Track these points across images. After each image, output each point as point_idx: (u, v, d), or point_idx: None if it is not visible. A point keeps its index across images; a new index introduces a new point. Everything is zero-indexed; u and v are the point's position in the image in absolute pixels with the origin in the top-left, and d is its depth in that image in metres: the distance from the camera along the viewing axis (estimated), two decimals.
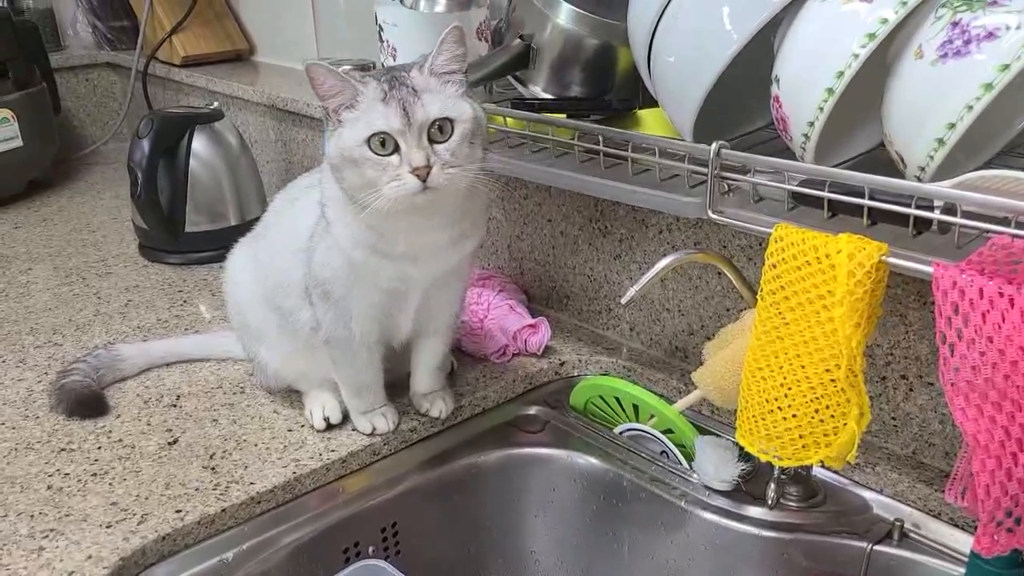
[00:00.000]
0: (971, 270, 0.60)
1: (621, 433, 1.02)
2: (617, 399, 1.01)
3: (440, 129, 0.79)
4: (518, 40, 0.99)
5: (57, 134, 1.98)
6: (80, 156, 2.18)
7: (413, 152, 0.77)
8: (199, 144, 1.47)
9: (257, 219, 1.09)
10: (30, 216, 1.76)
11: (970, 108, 0.63)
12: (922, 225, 0.67)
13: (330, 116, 0.81)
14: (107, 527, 0.83)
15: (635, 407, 1.00)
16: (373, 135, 0.77)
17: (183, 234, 1.48)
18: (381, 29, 1.05)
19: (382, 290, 0.89)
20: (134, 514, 0.84)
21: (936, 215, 0.65)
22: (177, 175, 1.45)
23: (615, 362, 1.12)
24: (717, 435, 0.96)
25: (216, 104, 1.55)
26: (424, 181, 0.77)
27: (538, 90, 1.01)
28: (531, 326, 1.14)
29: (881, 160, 0.76)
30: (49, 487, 0.89)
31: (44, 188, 1.93)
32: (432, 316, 0.96)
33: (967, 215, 0.63)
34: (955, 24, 0.64)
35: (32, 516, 0.84)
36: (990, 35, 0.62)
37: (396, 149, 0.78)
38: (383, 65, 1.09)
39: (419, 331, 0.97)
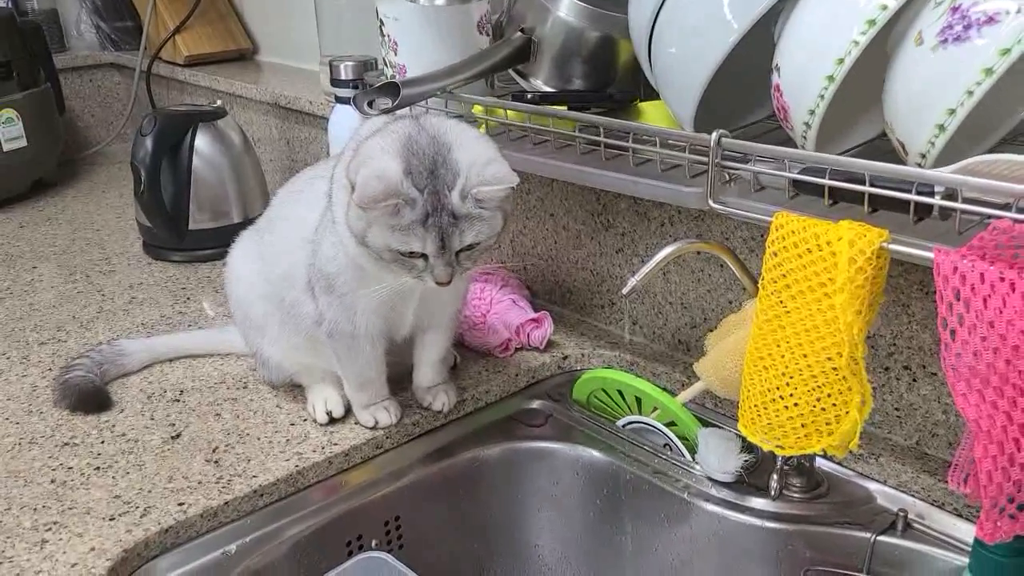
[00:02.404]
0: (972, 255, 0.60)
1: (624, 426, 1.02)
2: (620, 392, 1.01)
3: (469, 247, 0.81)
4: (519, 33, 0.99)
5: (62, 134, 1.99)
6: (84, 156, 2.19)
7: (440, 268, 0.80)
8: (202, 142, 1.47)
9: (259, 217, 1.10)
10: (35, 215, 1.77)
11: (971, 93, 0.62)
12: (923, 211, 0.66)
13: (364, 207, 0.78)
14: (110, 520, 0.83)
15: (638, 400, 1.00)
16: (410, 253, 0.79)
17: (187, 232, 1.48)
18: (382, 23, 1.05)
19: (387, 288, 0.89)
20: (137, 507, 0.84)
21: (937, 201, 0.65)
22: (180, 173, 1.46)
23: (618, 356, 1.12)
24: (720, 427, 0.96)
25: (219, 102, 1.55)
26: (442, 284, 0.81)
27: (539, 83, 1.01)
28: (534, 320, 1.14)
29: (882, 149, 0.75)
30: (52, 481, 0.89)
31: (49, 188, 1.94)
32: (435, 311, 0.96)
33: (968, 200, 0.63)
34: (955, 9, 0.63)
35: (35, 509, 0.84)
36: (990, 19, 0.62)
37: (423, 256, 0.80)
38: (385, 61, 1.09)
39: (422, 325, 0.97)
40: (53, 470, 0.91)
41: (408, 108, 1.02)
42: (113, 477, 0.89)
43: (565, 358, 1.13)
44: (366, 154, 0.79)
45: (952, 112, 0.63)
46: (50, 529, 0.82)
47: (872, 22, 0.66)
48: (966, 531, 0.82)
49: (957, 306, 0.60)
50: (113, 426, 0.98)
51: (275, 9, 1.99)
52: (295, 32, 1.93)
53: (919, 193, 0.65)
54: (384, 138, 0.80)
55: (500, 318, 1.13)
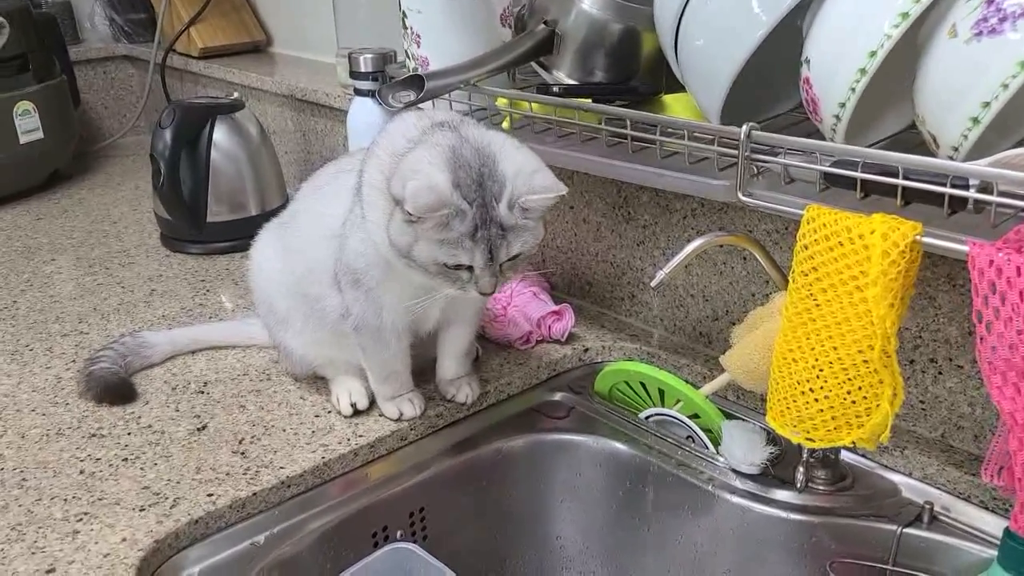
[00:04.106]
0: (1008, 248, 0.60)
1: (647, 418, 1.02)
2: (643, 384, 1.02)
3: (513, 257, 0.81)
4: (542, 26, 0.99)
5: (77, 126, 1.99)
6: (99, 148, 2.20)
7: (485, 280, 0.81)
8: (220, 134, 1.47)
9: (277, 209, 1.09)
10: (52, 208, 1.77)
11: (1005, 86, 0.62)
12: (957, 204, 0.67)
13: (412, 221, 0.78)
14: (140, 510, 0.83)
15: (661, 392, 1.00)
16: (457, 265, 0.80)
17: (205, 224, 1.49)
18: (405, 15, 1.05)
19: (415, 285, 0.89)
20: (166, 498, 0.85)
21: (972, 194, 0.65)
22: (199, 165, 1.46)
23: (639, 348, 1.12)
24: (743, 419, 0.96)
25: (236, 94, 1.56)
26: (486, 295, 0.82)
27: (562, 76, 1.01)
28: (555, 313, 1.14)
29: (911, 142, 0.76)
30: (81, 472, 0.89)
31: (65, 180, 1.94)
32: (461, 307, 0.96)
33: (1004, 193, 0.63)
34: (990, 2, 0.63)
35: (66, 500, 0.85)
36: None
37: (469, 268, 0.80)
38: (407, 53, 1.09)
39: (447, 320, 0.97)
40: (81, 461, 0.91)
41: (431, 103, 1.03)
42: (141, 468, 0.90)
43: (586, 350, 1.13)
44: (411, 167, 0.79)
45: (986, 105, 0.63)
46: (81, 520, 0.82)
47: (905, 15, 0.66)
48: (993, 524, 0.82)
49: (993, 299, 0.60)
50: (139, 418, 0.99)
51: (288, 1, 1.99)
52: (309, 24, 1.93)
53: (954, 186, 0.65)
54: (428, 150, 0.80)
55: (521, 311, 1.14)
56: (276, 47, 2.10)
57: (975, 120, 0.64)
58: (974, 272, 0.61)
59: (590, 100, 0.95)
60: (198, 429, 0.96)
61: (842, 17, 0.71)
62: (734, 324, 0.92)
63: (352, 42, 1.58)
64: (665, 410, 1.00)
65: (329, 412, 0.99)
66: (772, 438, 0.91)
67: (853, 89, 0.70)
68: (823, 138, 0.76)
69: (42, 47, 1.84)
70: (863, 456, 0.91)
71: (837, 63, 0.71)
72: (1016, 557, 0.66)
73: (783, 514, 0.88)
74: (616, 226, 1.17)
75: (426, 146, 0.80)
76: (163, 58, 2.06)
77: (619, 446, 1.01)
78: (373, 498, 0.93)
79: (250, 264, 1.07)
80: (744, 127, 0.76)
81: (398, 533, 0.95)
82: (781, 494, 0.89)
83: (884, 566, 0.84)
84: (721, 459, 0.94)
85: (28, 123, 1.77)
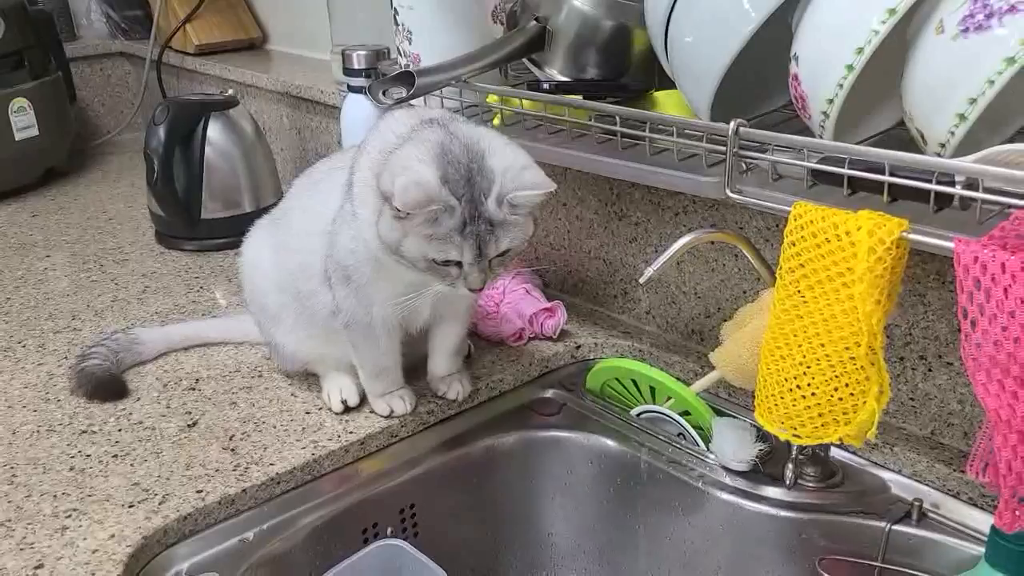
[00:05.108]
0: (993, 245, 0.60)
1: (638, 415, 1.02)
2: (634, 381, 1.01)
3: (502, 253, 0.81)
4: (534, 22, 0.99)
5: (73, 123, 1.99)
6: (95, 145, 2.20)
7: (474, 276, 0.81)
8: (214, 131, 1.47)
9: (272, 206, 1.09)
10: (47, 204, 1.77)
11: (992, 83, 0.62)
12: (943, 201, 0.66)
13: (400, 217, 0.78)
14: (129, 507, 0.83)
15: (652, 389, 1.00)
16: (446, 261, 0.80)
17: (199, 221, 1.48)
18: (396, 12, 1.05)
19: (405, 283, 0.89)
20: (156, 494, 0.85)
21: (958, 190, 0.64)
22: (193, 162, 1.46)
23: (631, 345, 1.12)
24: (734, 416, 0.96)
25: (231, 91, 1.56)
26: (475, 291, 0.82)
27: (554, 73, 1.01)
28: (547, 310, 1.14)
29: (900, 139, 0.75)
30: (71, 468, 0.89)
31: (60, 177, 1.94)
32: (451, 302, 0.96)
33: (989, 190, 0.63)
34: None
35: (55, 496, 0.85)
36: (1012, 8, 0.61)
37: (458, 263, 0.80)
38: (399, 50, 1.09)
39: (438, 316, 0.97)
40: (72, 457, 0.91)
41: (423, 100, 1.02)
42: (131, 465, 0.90)
43: (578, 347, 1.13)
44: (400, 163, 0.79)
45: (973, 101, 0.63)
46: (70, 516, 0.82)
47: (893, 11, 0.66)
48: (982, 520, 0.82)
49: (977, 296, 0.60)
50: (130, 414, 0.99)
51: None
52: (305, 21, 1.93)
53: (939, 183, 0.65)
54: (417, 147, 0.80)
55: (513, 307, 1.14)
56: (272, 44, 2.10)
57: (962, 117, 0.64)
58: (959, 269, 0.61)
59: (581, 97, 0.95)
60: (189, 426, 0.96)
61: (830, 13, 0.71)
62: (725, 321, 0.92)
63: (347, 39, 1.57)
64: (656, 407, 1.00)
65: (320, 409, 0.99)
66: (762, 435, 0.91)
67: (841, 86, 0.70)
68: (812, 135, 0.76)
69: (38, 44, 1.84)
70: (853, 453, 0.91)
71: (825, 59, 0.71)
72: (1003, 554, 0.66)
73: (773, 511, 0.88)
74: (609, 223, 1.16)
75: (415, 142, 0.80)
76: (159, 55, 2.06)
77: (610, 443, 1.00)
78: (364, 495, 0.92)
79: (242, 261, 1.07)
80: (732, 123, 0.76)
81: (388, 530, 0.95)
82: (771, 491, 0.89)
83: (873, 563, 0.84)
84: (711, 456, 0.94)
85: (23, 120, 1.77)
